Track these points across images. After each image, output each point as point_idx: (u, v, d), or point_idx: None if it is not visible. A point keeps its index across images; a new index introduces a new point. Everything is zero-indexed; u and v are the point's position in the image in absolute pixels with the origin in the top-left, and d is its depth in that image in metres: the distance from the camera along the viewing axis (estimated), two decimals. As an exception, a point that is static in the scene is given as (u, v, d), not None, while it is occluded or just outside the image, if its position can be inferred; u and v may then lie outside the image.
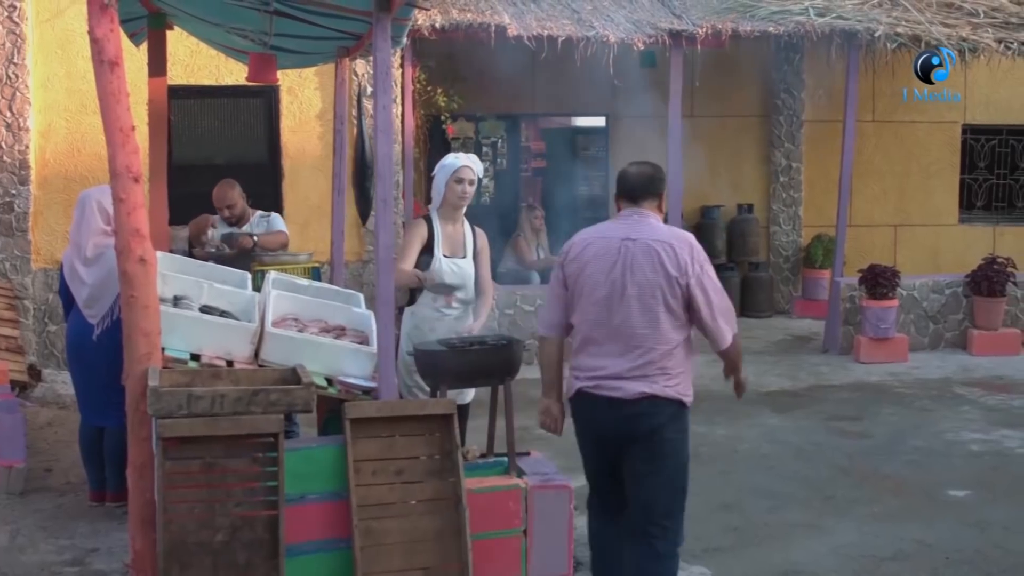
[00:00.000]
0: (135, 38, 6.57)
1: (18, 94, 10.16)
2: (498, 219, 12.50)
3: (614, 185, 4.72)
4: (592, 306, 4.42)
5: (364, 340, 5.45)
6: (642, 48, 10.74)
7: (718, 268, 8.25)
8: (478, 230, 6.21)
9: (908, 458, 7.61)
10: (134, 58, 6.26)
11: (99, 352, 6.03)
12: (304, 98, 10.95)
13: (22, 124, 10.19)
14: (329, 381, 5.08)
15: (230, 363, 5.02)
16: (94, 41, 4.32)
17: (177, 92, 9.79)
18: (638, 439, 4.35)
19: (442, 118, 12.50)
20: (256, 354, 5.10)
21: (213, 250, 7.09)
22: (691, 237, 4.46)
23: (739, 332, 4.57)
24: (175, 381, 4.60)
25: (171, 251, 6.40)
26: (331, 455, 4.68)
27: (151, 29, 6.26)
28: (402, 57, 10.74)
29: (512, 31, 10.37)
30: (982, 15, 11.65)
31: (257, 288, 5.94)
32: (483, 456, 5.31)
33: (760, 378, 9.94)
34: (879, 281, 10.92)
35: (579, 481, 6.77)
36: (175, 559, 4.31)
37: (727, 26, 10.85)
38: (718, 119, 13.79)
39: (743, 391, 4.76)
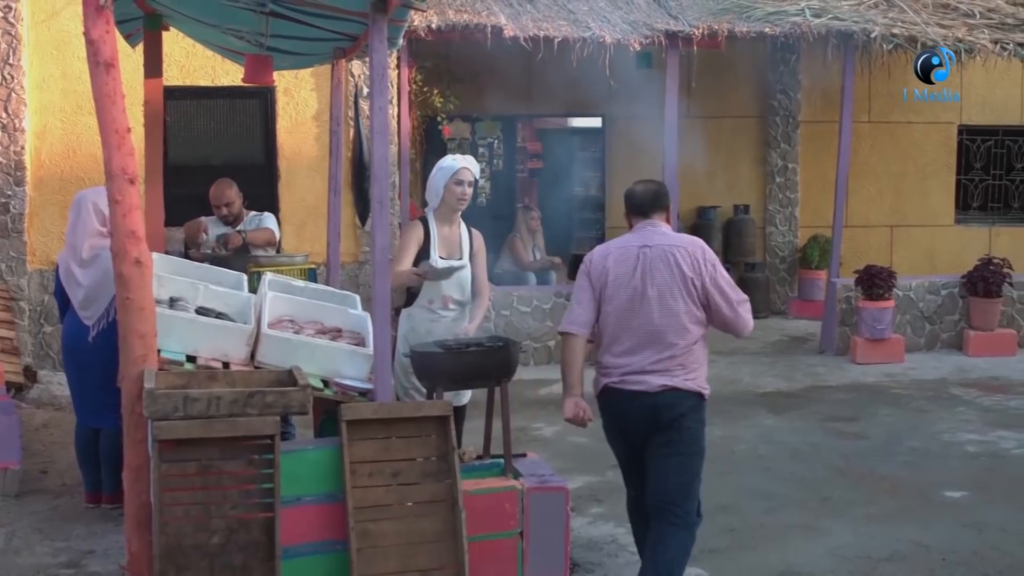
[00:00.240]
0: (131, 39, 6.57)
1: (14, 95, 10.15)
2: (494, 220, 12.50)
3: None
4: (616, 310, 4.79)
5: (360, 342, 5.45)
6: (638, 49, 10.74)
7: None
8: (474, 231, 6.21)
9: (904, 459, 7.61)
10: (130, 59, 6.24)
11: (95, 354, 6.03)
12: (300, 99, 10.94)
13: (18, 125, 10.17)
14: (325, 383, 5.08)
15: (226, 365, 5.02)
16: (90, 43, 4.31)
17: (173, 93, 9.80)
18: (661, 428, 4.70)
19: (438, 119, 12.49)
20: (252, 356, 5.10)
21: (209, 251, 7.08)
22: (702, 241, 4.89)
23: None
24: (171, 383, 4.60)
25: (167, 252, 6.38)
26: (327, 457, 4.68)
27: (147, 30, 6.25)
28: (398, 58, 10.73)
29: (508, 32, 10.37)
30: (978, 16, 11.67)
31: (253, 290, 5.93)
32: (480, 458, 5.32)
33: (756, 379, 9.95)
34: (875, 282, 10.93)
35: (576, 483, 6.80)
36: (171, 561, 4.31)
37: (723, 27, 10.86)
38: (714, 120, 13.79)
39: None
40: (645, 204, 4.96)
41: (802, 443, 8.01)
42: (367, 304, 5.53)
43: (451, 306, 6.00)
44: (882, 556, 5.76)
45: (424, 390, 5.43)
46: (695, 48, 10.99)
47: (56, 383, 9.41)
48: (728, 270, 5.35)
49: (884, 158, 14.32)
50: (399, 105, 10.85)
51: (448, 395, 5.24)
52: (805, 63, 13.58)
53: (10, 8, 10.09)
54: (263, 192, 10.57)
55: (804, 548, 5.91)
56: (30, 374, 9.17)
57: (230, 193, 7.36)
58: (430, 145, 12.53)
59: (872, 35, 10.89)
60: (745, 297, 4.85)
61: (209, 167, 10.13)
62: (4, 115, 10.13)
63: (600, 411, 4.95)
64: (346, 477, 4.59)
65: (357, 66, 10.54)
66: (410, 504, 4.71)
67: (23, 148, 10.21)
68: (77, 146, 10.38)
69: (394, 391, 5.41)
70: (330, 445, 4.73)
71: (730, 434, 8.14)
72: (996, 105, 14.44)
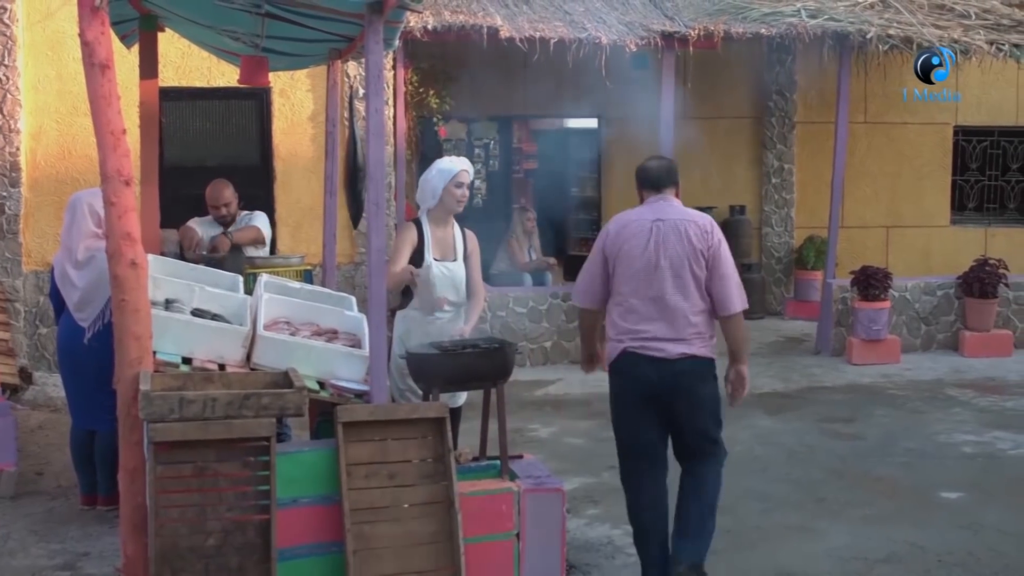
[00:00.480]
0: (126, 40, 6.55)
1: (9, 96, 10.13)
2: (490, 221, 12.50)
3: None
4: (631, 279, 5.06)
5: (356, 343, 5.45)
6: (634, 50, 10.73)
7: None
8: (468, 232, 6.20)
9: (900, 460, 7.62)
10: (125, 60, 6.24)
11: (90, 356, 6.02)
12: (296, 100, 10.94)
13: (13, 126, 10.16)
14: (321, 384, 5.07)
15: (222, 367, 5.01)
16: (85, 44, 4.31)
17: (168, 94, 9.80)
18: (681, 392, 5.02)
19: (434, 120, 12.49)
20: (248, 357, 5.09)
21: (205, 253, 7.07)
22: (710, 217, 5.19)
23: (746, 324, 5.26)
24: (167, 385, 4.59)
25: (162, 254, 6.38)
26: (323, 459, 4.67)
27: (142, 31, 6.24)
28: (394, 59, 10.73)
29: (504, 33, 10.37)
30: (974, 17, 11.68)
31: (249, 291, 5.92)
32: (476, 459, 5.31)
33: (752, 380, 9.77)
34: (871, 282, 10.94)
35: (572, 484, 6.80)
36: (167, 563, 4.30)
37: (719, 28, 10.86)
38: (710, 121, 13.79)
39: (742, 393, 5.29)
40: (660, 179, 5.24)
41: (798, 444, 8.02)
42: (363, 306, 5.52)
43: (446, 307, 5.99)
44: (878, 557, 5.76)
45: (420, 392, 5.43)
46: (691, 49, 11.00)
47: (52, 385, 9.40)
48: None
49: (880, 159, 14.33)
50: (395, 106, 10.85)
51: (444, 396, 5.23)
52: (801, 64, 13.58)
53: (5, 9, 10.08)
54: (259, 193, 10.56)
55: (800, 549, 5.91)
56: (26, 375, 9.13)
57: (227, 193, 7.34)
58: (426, 146, 12.52)
59: (868, 36, 10.90)
60: (740, 282, 5.16)
61: (205, 168, 10.13)
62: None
63: (615, 375, 5.17)
64: (342, 479, 4.58)
65: (353, 67, 10.54)
66: (406, 506, 4.70)
67: (18, 149, 10.20)
68: (72, 147, 10.37)
69: (389, 393, 5.40)
70: (326, 447, 4.73)
71: (726, 435, 8.05)
72: (992, 106, 14.46)
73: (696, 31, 10.79)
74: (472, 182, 6.08)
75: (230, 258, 6.89)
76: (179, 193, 9.31)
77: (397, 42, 6.23)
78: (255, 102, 11.02)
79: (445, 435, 4.80)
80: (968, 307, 11.57)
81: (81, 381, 6.18)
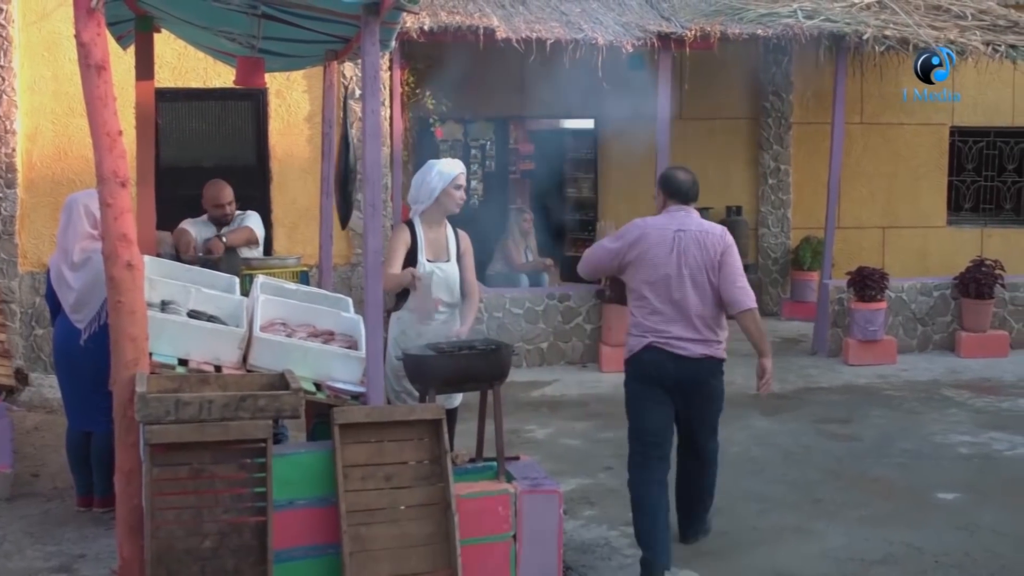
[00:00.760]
0: (122, 41, 6.54)
1: (4, 97, 10.12)
2: (486, 221, 12.49)
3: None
4: (656, 283, 5.49)
5: (353, 345, 5.44)
6: (631, 51, 10.73)
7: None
8: (461, 232, 6.20)
9: (897, 461, 7.62)
10: (121, 61, 6.23)
11: (86, 357, 6.01)
12: (292, 101, 10.93)
13: (9, 127, 10.15)
14: (318, 386, 5.06)
15: (218, 368, 5.00)
16: (81, 45, 4.30)
17: (165, 95, 9.78)
18: (696, 386, 5.55)
19: (431, 121, 12.48)
20: (244, 359, 5.08)
21: (201, 254, 7.05)
22: (724, 228, 5.67)
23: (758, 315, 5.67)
24: (163, 387, 4.58)
25: (158, 255, 6.36)
26: (319, 460, 4.67)
27: (138, 32, 6.22)
28: (390, 60, 10.72)
29: (501, 34, 10.35)
30: (970, 18, 11.68)
31: (245, 292, 5.92)
32: (472, 461, 5.30)
33: (749, 380, 9.82)
34: (867, 283, 10.94)
35: (569, 485, 6.79)
36: (163, 565, 4.29)
37: (716, 28, 10.85)
38: (707, 121, 13.80)
39: (768, 384, 5.74)
40: (690, 193, 5.67)
41: (795, 445, 8.02)
42: (359, 307, 5.52)
43: (441, 308, 5.99)
44: (875, 558, 5.76)
45: (415, 393, 5.43)
46: (687, 50, 10.98)
47: (48, 386, 9.38)
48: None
49: (876, 160, 14.35)
50: (391, 107, 10.85)
51: (440, 398, 5.23)
52: (797, 65, 13.59)
53: (1, 10, 10.07)
54: (255, 194, 10.57)
55: (797, 550, 5.91)
56: (21, 377, 9.13)
57: (226, 193, 7.32)
58: (422, 147, 12.51)
59: (864, 37, 10.89)
60: (747, 284, 5.60)
61: (201, 169, 10.13)
62: (-5, 117, 10.12)
63: (634, 370, 5.61)
64: (339, 481, 4.58)
65: (349, 68, 10.53)
66: (403, 508, 4.70)
67: (14, 150, 10.19)
68: (68, 148, 10.36)
69: (385, 394, 5.40)
70: (322, 449, 4.73)
71: (723, 436, 8.00)
72: (988, 107, 14.47)
73: (692, 32, 10.78)
74: (468, 182, 6.09)
75: (226, 259, 6.88)
76: (175, 194, 9.31)
77: (393, 43, 6.22)
78: (251, 103, 11.01)
79: (442, 437, 4.80)
80: (964, 308, 11.58)
81: (77, 382, 6.17)
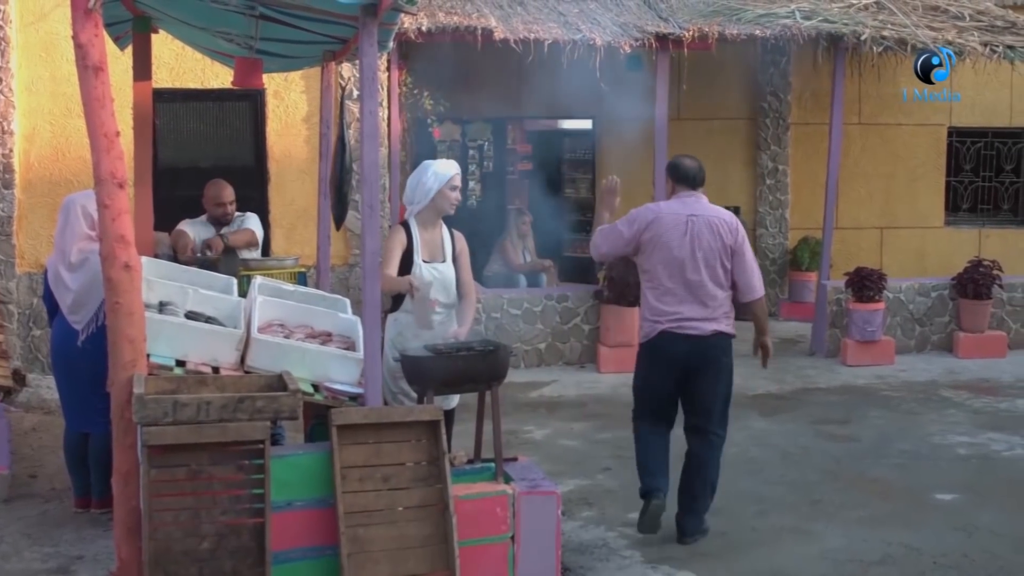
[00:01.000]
0: (120, 42, 6.53)
1: (2, 97, 10.11)
2: (484, 222, 12.49)
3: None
4: (668, 266, 5.82)
5: (350, 346, 5.43)
6: (628, 51, 10.73)
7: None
8: (456, 233, 6.20)
9: (895, 461, 7.62)
10: (119, 61, 6.22)
11: (84, 358, 6.00)
12: (290, 102, 10.92)
13: (6, 128, 10.14)
14: (315, 387, 5.06)
15: (216, 369, 5.00)
16: (78, 46, 4.30)
17: (162, 95, 9.76)
18: (707, 362, 5.84)
19: (428, 121, 12.47)
20: (242, 360, 5.08)
21: (200, 255, 7.04)
22: (733, 215, 6.06)
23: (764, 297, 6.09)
24: (160, 388, 4.58)
25: (156, 256, 6.36)
26: (317, 462, 4.66)
27: (136, 33, 6.22)
28: (388, 60, 10.71)
29: (499, 34, 10.35)
30: (968, 19, 11.69)
31: (243, 293, 5.91)
32: (470, 462, 5.30)
33: (747, 381, 9.94)
34: (865, 284, 10.95)
35: (567, 486, 6.79)
36: (161, 567, 4.29)
37: (714, 29, 10.86)
38: (705, 122, 13.79)
39: (768, 357, 6.16)
40: (697, 178, 6.02)
41: (793, 446, 8.02)
42: (357, 308, 5.51)
43: (437, 309, 5.99)
44: (873, 559, 5.76)
45: (412, 394, 5.42)
46: (685, 50, 10.99)
47: (45, 387, 9.37)
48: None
49: (874, 160, 14.34)
50: (389, 108, 10.84)
51: (437, 399, 5.22)
52: (795, 65, 13.60)
53: (-1, 10, 10.06)
54: (253, 195, 10.55)
55: (795, 551, 5.91)
56: (19, 377, 9.10)
57: (229, 191, 7.32)
58: (420, 147, 12.51)
59: (862, 37, 10.90)
60: (759, 272, 6.05)
61: (199, 170, 10.12)
62: (-8, 118, 10.11)
63: (648, 352, 5.95)
64: (336, 482, 4.58)
65: (347, 68, 10.52)
66: (401, 509, 4.70)
67: (11, 151, 10.18)
68: (66, 149, 10.35)
69: (382, 395, 5.39)
70: (320, 450, 4.72)
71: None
72: (985, 107, 14.46)
73: (690, 32, 10.78)
74: (466, 183, 6.10)
75: (224, 260, 6.88)
76: (173, 195, 9.30)
77: (391, 44, 6.22)
78: (249, 103, 11.00)
79: (440, 438, 4.79)
80: (962, 308, 11.58)
81: (75, 384, 6.16)
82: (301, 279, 6.93)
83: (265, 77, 7.08)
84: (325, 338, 5.48)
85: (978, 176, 14.88)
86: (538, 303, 10.98)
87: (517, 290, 11.32)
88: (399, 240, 5.94)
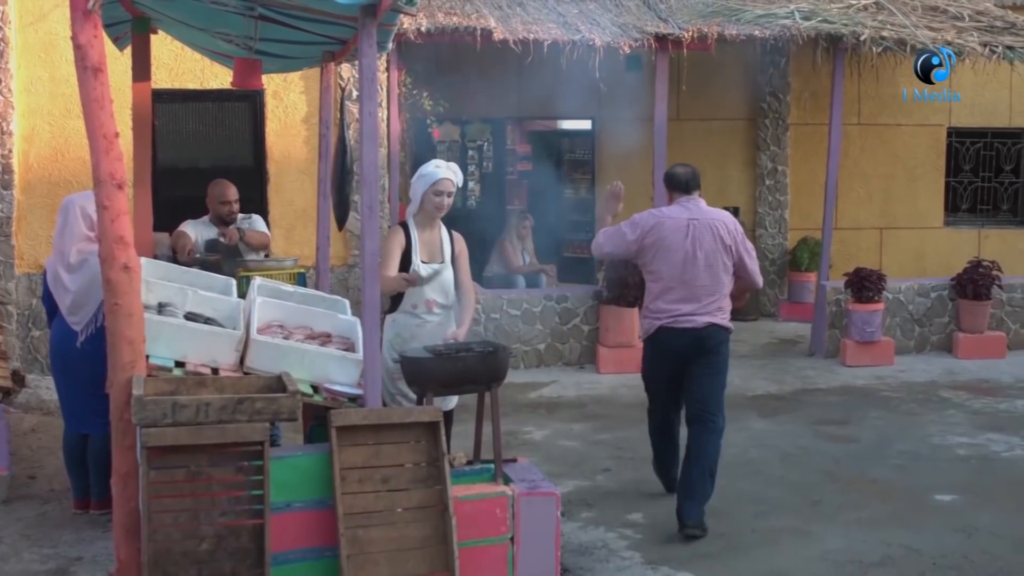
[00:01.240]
0: (119, 42, 6.53)
1: (1, 98, 10.10)
2: (484, 222, 12.49)
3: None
4: (671, 266, 6.17)
5: (350, 347, 5.43)
6: (628, 52, 10.73)
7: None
8: (455, 234, 6.20)
9: (895, 462, 7.62)
10: (118, 62, 6.22)
11: (83, 359, 6.00)
12: (289, 102, 10.92)
13: (5, 128, 10.13)
14: (315, 388, 5.05)
15: (215, 371, 4.99)
16: (77, 47, 4.29)
17: (161, 96, 9.76)
18: (703, 353, 6.19)
19: (428, 122, 12.47)
20: (241, 361, 5.07)
21: (199, 255, 7.04)
22: (731, 215, 6.47)
23: None
24: (159, 389, 4.58)
25: (155, 257, 6.35)
26: (317, 463, 4.66)
27: (135, 33, 6.22)
28: (388, 61, 10.71)
29: (498, 35, 10.35)
30: (967, 19, 11.69)
31: (242, 294, 5.91)
32: (470, 463, 5.29)
33: (746, 382, 9.95)
34: (865, 284, 10.94)
35: (566, 487, 6.79)
36: (160, 568, 4.29)
37: (713, 30, 10.86)
38: (704, 122, 13.80)
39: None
40: (690, 183, 6.36)
41: (792, 447, 8.01)
42: (356, 308, 5.51)
43: (435, 310, 5.99)
44: (872, 560, 5.76)
45: (410, 395, 5.42)
46: (685, 51, 10.99)
47: (44, 388, 9.37)
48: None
49: (874, 160, 14.34)
50: (388, 108, 10.83)
51: (436, 400, 5.22)
52: (795, 66, 13.59)
53: (-2, 11, 10.06)
54: (252, 195, 10.53)
55: (795, 553, 5.91)
56: (18, 378, 9.11)
57: (233, 190, 7.33)
58: (419, 148, 12.51)
59: (861, 38, 10.90)
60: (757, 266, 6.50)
61: (198, 170, 10.12)
62: (-8, 118, 10.10)
63: (650, 346, 6.39)
64: (336, 483, 4.57)
65: (346, 69, 10.51)
66: (400, 510, 4.70)
67: (11, 151, 10.17)
68: (65, 149, 10.34)
69: (380, 396, 5.39)
70: (320, 451, 4.72)
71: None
72: (985, 108, 14.47)
73: (690, 33, 10.78)
74: (465, 184, 6.09)
75: (228, 261, 6.87)
76: (172, 195, 9.29)
77: (391, 44, 6.22)
78: (248, 104, 10.99)
79: (439, 439, 4.79)
80: (962, 309, 11.58)
81: (74, 384, 6.16)
82: (300, 280, 6.93)
83: (264, 78, 7.08)
84: (324, 339, 5.47)
85: (977, 176, 14.89)
86: (537, 304, 10.97)
87: (516, 291, 11.31)
88: (398, 241, 5.94)
